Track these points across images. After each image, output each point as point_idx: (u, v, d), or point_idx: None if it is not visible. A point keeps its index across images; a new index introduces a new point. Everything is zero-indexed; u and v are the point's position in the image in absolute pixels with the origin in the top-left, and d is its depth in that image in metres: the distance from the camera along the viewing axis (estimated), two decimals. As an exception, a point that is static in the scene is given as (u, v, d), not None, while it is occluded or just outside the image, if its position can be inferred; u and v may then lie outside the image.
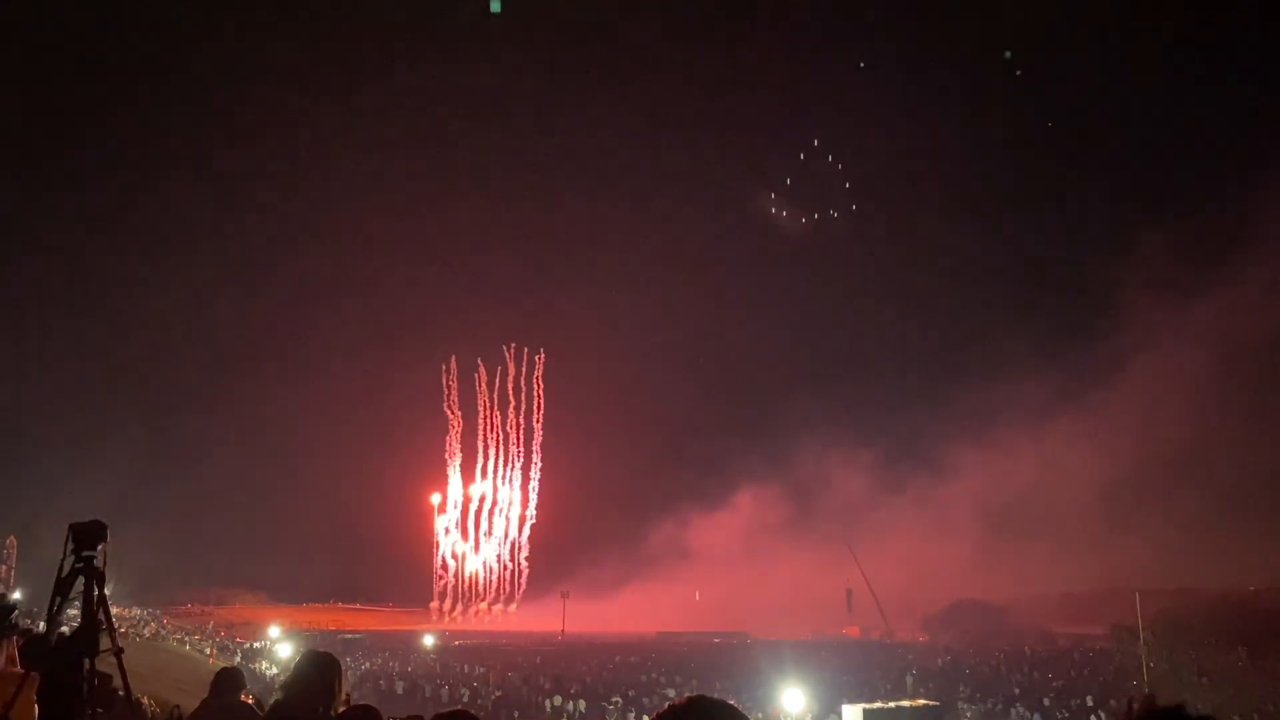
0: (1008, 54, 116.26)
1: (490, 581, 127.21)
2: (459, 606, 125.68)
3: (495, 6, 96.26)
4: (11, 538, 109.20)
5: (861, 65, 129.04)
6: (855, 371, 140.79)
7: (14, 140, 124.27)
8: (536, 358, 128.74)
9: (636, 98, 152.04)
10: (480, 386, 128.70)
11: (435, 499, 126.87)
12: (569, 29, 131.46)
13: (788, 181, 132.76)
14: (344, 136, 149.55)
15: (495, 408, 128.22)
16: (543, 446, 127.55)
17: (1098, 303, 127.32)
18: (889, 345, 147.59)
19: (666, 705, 2.46)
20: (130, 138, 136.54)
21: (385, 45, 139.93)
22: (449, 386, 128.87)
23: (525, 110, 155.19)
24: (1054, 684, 53.02)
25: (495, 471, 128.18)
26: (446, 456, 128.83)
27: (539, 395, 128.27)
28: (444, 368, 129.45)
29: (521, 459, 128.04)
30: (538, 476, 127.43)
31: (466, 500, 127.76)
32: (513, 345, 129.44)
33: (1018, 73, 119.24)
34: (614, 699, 42.86)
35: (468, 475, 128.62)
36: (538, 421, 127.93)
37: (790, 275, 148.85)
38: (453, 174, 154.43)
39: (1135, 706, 2.35)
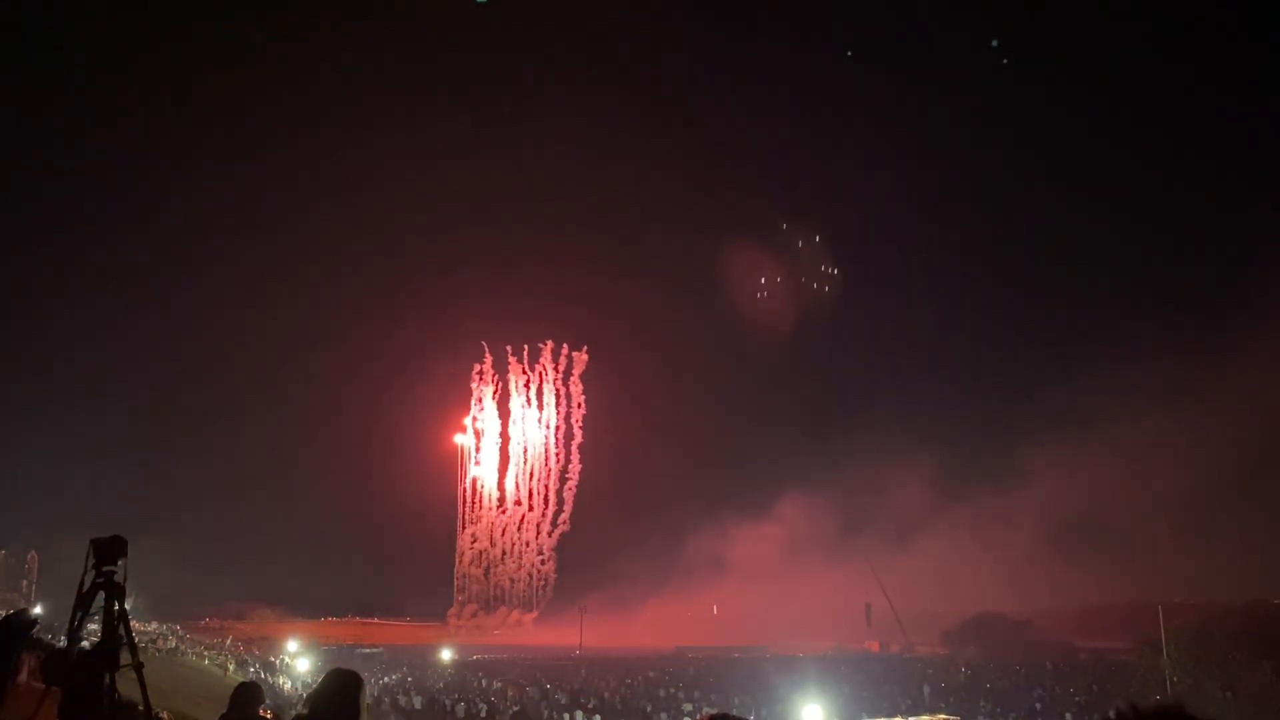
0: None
1: (514, 591, 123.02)
2: (480, 612, 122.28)
3: None
4: (33, 553, 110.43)
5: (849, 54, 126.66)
6: (892, 381, 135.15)
7: (17, 142, 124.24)
8: (576, 355, 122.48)
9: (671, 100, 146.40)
10: (513, 385, 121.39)
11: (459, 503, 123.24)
12: (605, 24, 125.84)
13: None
14: (373, 128, 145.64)
15: (531, 406, 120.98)
16: (581, 449, 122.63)
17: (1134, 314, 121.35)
18: (926, 355, 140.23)
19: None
20: (148, 138, 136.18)
21: (423, 32, 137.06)
22: (479, 386, 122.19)
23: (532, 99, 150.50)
24: (1076, 698, 52.41)
25: (528, 474, 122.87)
26: (475, 461, 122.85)
27: (579, 395, 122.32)
28: (476, 368, 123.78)
29: (560, 462, 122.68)
30: (574, 480, 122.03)
31: (480, 499, 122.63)
32: (550, 343, 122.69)
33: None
34: None
35: (498, 477, 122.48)
36: (578, 423, 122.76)
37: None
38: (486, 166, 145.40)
39: (1138, 707, 2.30)
